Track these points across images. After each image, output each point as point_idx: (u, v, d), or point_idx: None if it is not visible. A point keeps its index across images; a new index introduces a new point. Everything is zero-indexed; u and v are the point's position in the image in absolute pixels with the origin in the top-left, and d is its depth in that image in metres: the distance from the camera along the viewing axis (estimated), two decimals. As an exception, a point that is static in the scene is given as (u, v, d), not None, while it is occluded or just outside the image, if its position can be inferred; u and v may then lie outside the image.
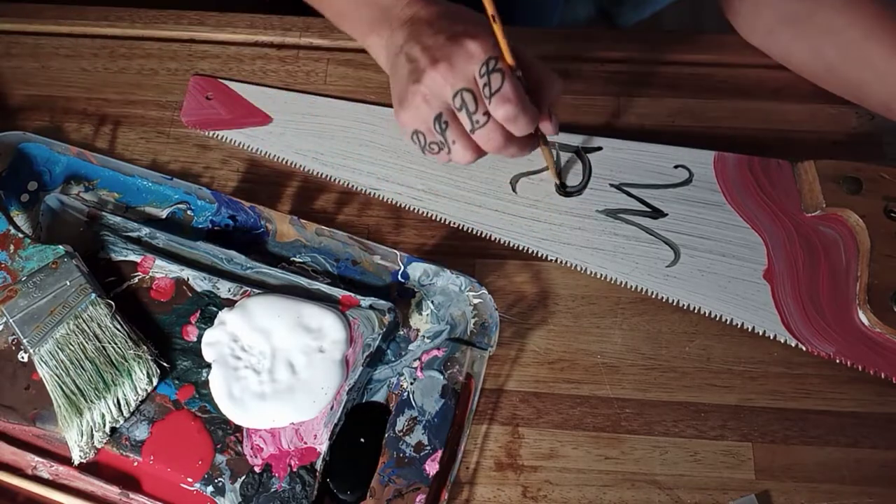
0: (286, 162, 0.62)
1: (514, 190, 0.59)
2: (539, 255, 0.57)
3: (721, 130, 0.63)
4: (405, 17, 0.51)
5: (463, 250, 0.58)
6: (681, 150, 0.60)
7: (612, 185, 0.59)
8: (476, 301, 0.54)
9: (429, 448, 0.50)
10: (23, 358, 0.52)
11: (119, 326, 0.52)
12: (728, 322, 0.55)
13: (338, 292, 0.54)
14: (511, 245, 0.58)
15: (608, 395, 0.54)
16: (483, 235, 0.58)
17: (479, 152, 0.49)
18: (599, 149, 0.60)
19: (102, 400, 0.50)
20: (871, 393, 0.53)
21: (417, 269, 0.55)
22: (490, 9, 0.46)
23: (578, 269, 0.57)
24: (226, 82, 0.65)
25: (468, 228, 0.58)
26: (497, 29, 0.46)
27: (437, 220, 0.59)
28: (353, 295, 0.54)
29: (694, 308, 0.55)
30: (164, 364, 0.52)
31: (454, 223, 0.59)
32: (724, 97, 0.64)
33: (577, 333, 0.55)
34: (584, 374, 0.54)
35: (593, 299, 0.56)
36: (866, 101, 0.59)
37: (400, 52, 0.50)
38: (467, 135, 0.48)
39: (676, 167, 0.59)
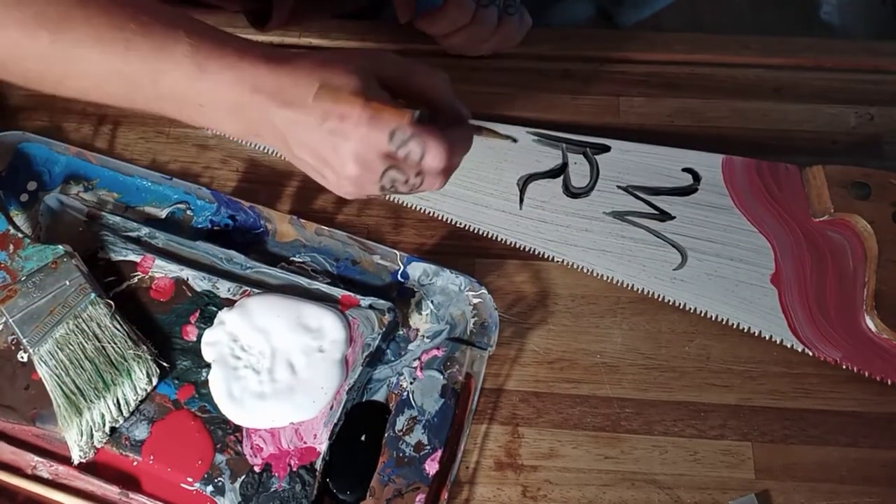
0: (286, 160, 0.61)
1: (521, 191, 0.59)
2: (545, 256, 0.57)
3: (721, 130, 0.63)
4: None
5: (462, 250, 0.58)
6: (689, 153, 0.60)
7: (619, 187, 0.59)
8: (476, 301, 0.54)
9: (428, 448, 0.50)
10: (22, 358, 0.52)
11: (119, 326, 0.52)
12: (735, 326, 0.54)
13: (337, 292, 0.54)
14: (517, 246, 0.58)
15: (608, 395, 0.54)
16: (486, 235, 0.58)
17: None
18: (608, 149, 0.60)
19: (102, 400, 0.50)
20: (871, 393, 0.53)
21: (417, 269, 0.55)
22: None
23: (585, 271, 0.57)
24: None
25: (473, 228, 0.58)
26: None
27: (443, 219, 0.59)
28: (352, 295, 0.54)
29: (699, 311, 0.55)
30: (164, 364, 0.52)
31: (460, 223, 0.59)
32: (724, 97, 0.64)
33: (576, 333, 0.55)
34: (584, 374, 0.54)
35: (593, 299, 0.56)
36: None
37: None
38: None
39: (684, 170, 0.59)
